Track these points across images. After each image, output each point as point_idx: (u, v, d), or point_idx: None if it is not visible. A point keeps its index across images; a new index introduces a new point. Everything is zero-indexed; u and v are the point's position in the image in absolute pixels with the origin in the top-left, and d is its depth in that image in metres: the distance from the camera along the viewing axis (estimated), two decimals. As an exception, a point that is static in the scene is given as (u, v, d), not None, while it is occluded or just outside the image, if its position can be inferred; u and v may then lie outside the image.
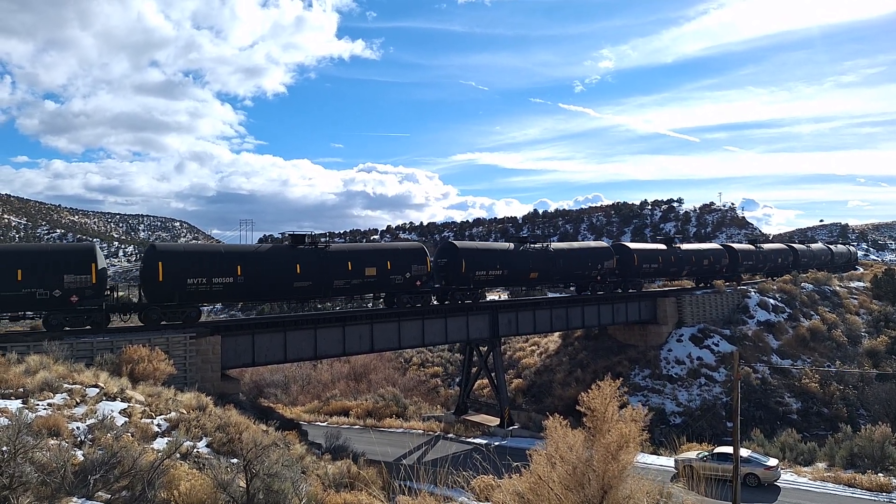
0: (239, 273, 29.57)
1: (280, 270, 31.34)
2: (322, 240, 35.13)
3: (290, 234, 34.66)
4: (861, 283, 65.46)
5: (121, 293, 30.09)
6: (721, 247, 61.02)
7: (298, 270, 31.51)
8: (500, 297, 55.67)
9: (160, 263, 27.97)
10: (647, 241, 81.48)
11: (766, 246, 67.11)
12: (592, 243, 56.10)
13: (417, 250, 37.45)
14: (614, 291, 48.58)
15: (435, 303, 38.80)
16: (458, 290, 38.99)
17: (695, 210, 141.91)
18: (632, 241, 78.83)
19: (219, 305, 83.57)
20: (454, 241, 43.66)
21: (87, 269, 26.02)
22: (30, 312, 26.39)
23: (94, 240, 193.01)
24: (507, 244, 43.98)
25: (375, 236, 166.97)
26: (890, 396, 35.45)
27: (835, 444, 28.98)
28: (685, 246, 56.90)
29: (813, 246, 76.25)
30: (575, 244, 53.98)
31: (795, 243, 77.04)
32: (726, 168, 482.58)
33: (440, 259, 39.09)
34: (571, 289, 51.78)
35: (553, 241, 51.93)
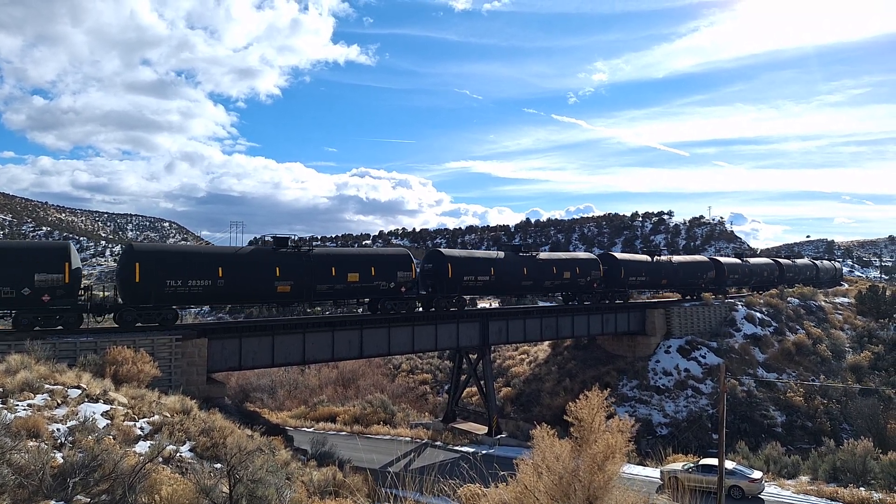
0: (493, 273, 39.93)
1: (514, 272, 41.83)
2: (532, 250, 46.25)
3: (511, 245, 45.90)
4: (846, 299, 66.31)
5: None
6: (773, 261, 72.43)
7: (525, 273, 42.25)
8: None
9: (449, 265, 37.41)
10: (637, 253, 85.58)
11: (799, 261, 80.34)
12: (698, 257, 66.00)
13: (594, 260, 48.45)
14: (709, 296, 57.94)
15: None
16: (616, 292, 49.79)
17: (685, 223, 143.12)
18: (622, 252, 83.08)
19: (206, 308, 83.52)
20: (614, 253, 53.52)
21: (409, 268, 35.93)
22: (367, 299, 35.30)
23: (82, 238, 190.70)
24: (646, 256, 55.04)
25: (367, 241, 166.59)
26: (872, 411, 35.89)
27: (818, 458, 29.20)
28: (752, 260, 69.34)
29: (825, 263, 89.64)
30: (687, 258, 63.44)
31: (805, 259, 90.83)
32: (715, 182, 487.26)
33: (604, 265, 48.44)
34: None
35: (675, 255, 64.06)
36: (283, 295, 31.23)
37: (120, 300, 28.39)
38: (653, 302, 53.99)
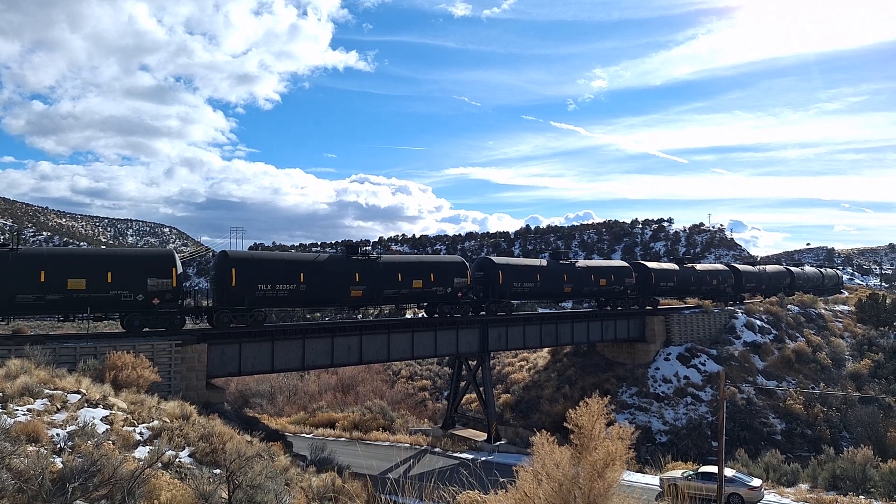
0: (675, 280, 54.77)
1: (686, 280, 55.52)
2: (691, 262, 60.15)
3: (678, 257, 58.03)
4: (846, 307, 66.26)
5: None
6: (819, 271, 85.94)
7: (692, 280, 56.27)
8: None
9: (653, 274, 51.77)
10: (651, 260, 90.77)
11: (829, 271, 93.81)
12: (779, 267, 78.87)
13: (728, 271, 62.35)
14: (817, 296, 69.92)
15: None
16: (739, 296, 63.01)
17: (684, 230, 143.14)
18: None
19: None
20: (737, 266, 67.83)
21: (631, 276, 49.76)
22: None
23: (82, 243, 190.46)
24: (750, 266, 68.77)
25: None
26: (872, 419, 35.83)
27: (818, 466, 29.12)
28: (807, 269, 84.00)
29: (840, 272, 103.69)
30: (774, 267, 76.68)
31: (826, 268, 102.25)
32: (714, 190, 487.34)
33: (733, 274, 62.60)
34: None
35: (767, 266, 77.44)
36: (567, 294, 46.61)
37: (475, 297, 40.39)
38: (652, 309, 54.11)
